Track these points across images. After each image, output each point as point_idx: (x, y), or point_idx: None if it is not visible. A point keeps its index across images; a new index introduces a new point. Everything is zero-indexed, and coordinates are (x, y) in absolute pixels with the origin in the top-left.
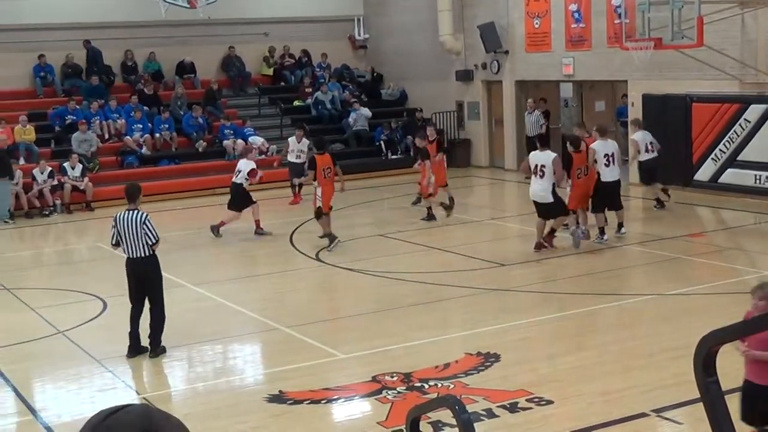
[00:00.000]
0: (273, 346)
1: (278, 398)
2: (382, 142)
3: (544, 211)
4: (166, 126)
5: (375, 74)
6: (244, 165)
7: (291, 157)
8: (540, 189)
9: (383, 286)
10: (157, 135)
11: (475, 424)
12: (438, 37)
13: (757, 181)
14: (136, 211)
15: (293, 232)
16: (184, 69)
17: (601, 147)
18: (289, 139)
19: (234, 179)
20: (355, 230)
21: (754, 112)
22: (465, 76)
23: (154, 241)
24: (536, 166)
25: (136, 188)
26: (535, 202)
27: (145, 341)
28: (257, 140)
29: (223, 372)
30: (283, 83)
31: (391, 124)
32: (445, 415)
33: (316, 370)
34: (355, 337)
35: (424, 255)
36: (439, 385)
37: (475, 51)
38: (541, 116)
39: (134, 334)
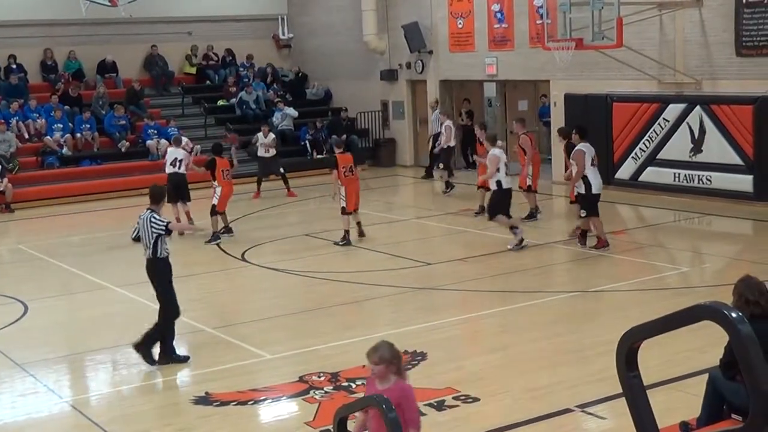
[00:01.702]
0: (199, 347)
1: (204, 400)
2: (307, 142)
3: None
4: (88, 126)
5: (299, 74)
6: (183, 155)
7: (260, 152)
8: (599, 179)
9: (309, 286)
10: (78, 135)
11: None
12: (362, 37)
13: (676, 179)
14: (148, 212)
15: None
16: (106, 68)
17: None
18: (258, 134)
19: (176, 170)
20: (280, 230)
21: (672, 111)
22: (389, 75)
23: (162, 230)
24: (592, 158)
25: (158, 190)
26: (599, 195)
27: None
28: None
29: (148, 374)
30: (207, 82)
31: (316, 124)
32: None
33: (243, 371)
34: (282, 337)
35: (350, 254)
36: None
37: (400, 50)
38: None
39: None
